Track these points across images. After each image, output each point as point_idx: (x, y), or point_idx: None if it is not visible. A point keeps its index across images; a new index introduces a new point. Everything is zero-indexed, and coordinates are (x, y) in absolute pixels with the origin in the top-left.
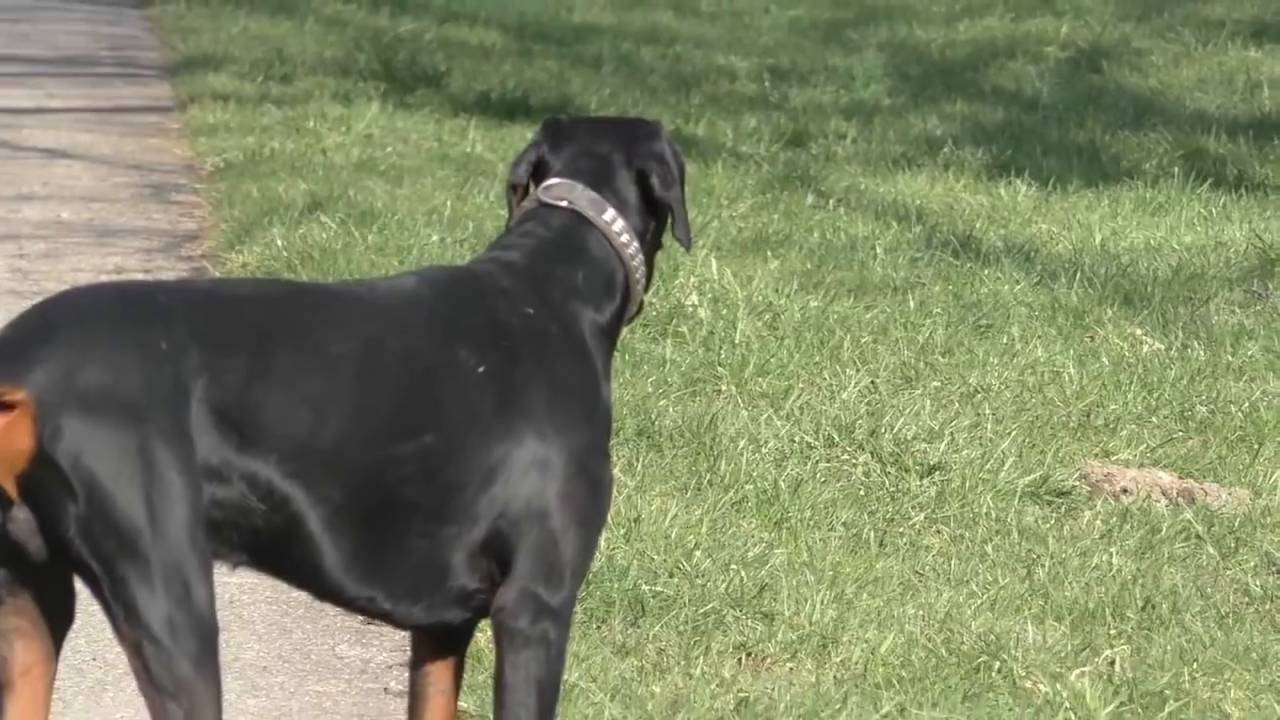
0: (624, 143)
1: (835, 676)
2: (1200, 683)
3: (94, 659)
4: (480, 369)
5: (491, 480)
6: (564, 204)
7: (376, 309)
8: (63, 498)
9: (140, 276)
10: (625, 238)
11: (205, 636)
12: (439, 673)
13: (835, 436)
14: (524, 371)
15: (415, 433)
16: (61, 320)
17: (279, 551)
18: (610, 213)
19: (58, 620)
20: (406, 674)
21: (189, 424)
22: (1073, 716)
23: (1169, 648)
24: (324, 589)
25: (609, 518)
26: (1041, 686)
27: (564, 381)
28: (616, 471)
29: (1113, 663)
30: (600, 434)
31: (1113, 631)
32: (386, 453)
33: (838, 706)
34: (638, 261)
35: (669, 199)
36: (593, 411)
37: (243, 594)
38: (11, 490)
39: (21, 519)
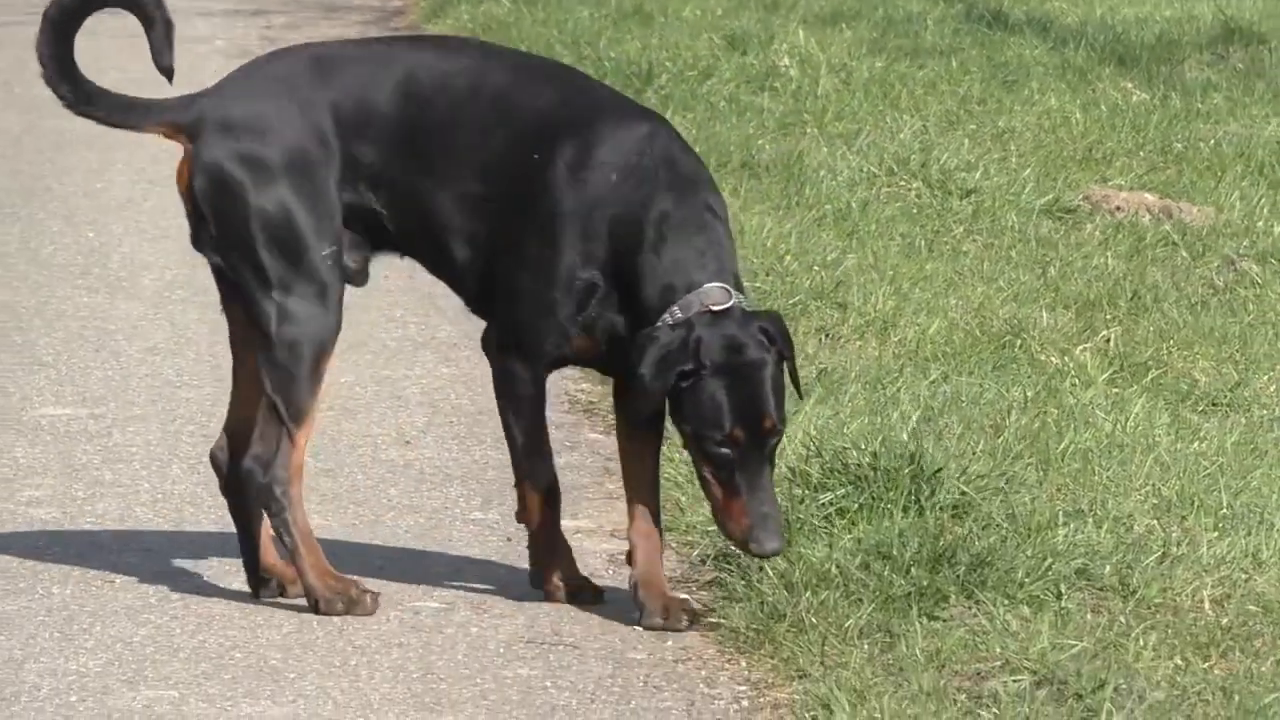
0: None
1: (894, 352)
2: (1175, 355)
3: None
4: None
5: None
6: None
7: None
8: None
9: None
10: None
11: (301, 346)
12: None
13: (895, 167)
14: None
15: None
16: (242, 76)
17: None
18: None
19: None
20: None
21: (329, 173)
22: (1077, 381)
23: (1151, 329)
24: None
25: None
26: (1053, 359)
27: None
28: (727, 194)
29: (1108, 340)
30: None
31: (1108, 316)
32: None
33: (896, 375)
34: None
35: None
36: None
37: None
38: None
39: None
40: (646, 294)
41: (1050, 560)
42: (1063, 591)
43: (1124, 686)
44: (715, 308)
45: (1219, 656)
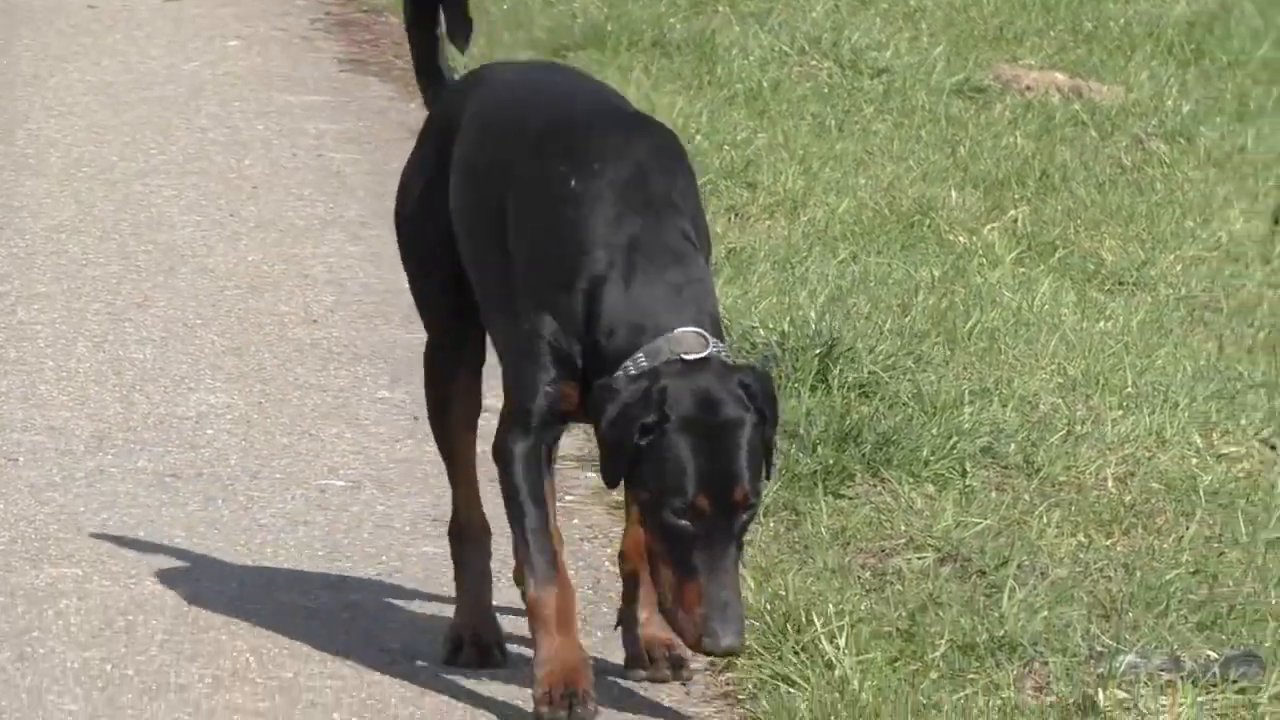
0: None
1: (803, 232)
2: (1083, 235)
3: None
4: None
5: None
6: None
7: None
8: None
9: None
10: None
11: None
12: None
13: (806, 46)
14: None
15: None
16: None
17: None
18: None
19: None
20: None
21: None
22: (985, 261)
23: (1059, 208)
24: None
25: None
26: (961, 238)
27: None
28: (638, 72)
29: (1016, 220)
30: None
31: (1016, 196)
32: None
33: (804, 255)
34: None
35: None
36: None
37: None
38: None
39: None
40: (609, 335)
41: (956, 439)
42: (968, 469)
43: (1027, 563)
44: (688, 356)
45: (1121, 533)
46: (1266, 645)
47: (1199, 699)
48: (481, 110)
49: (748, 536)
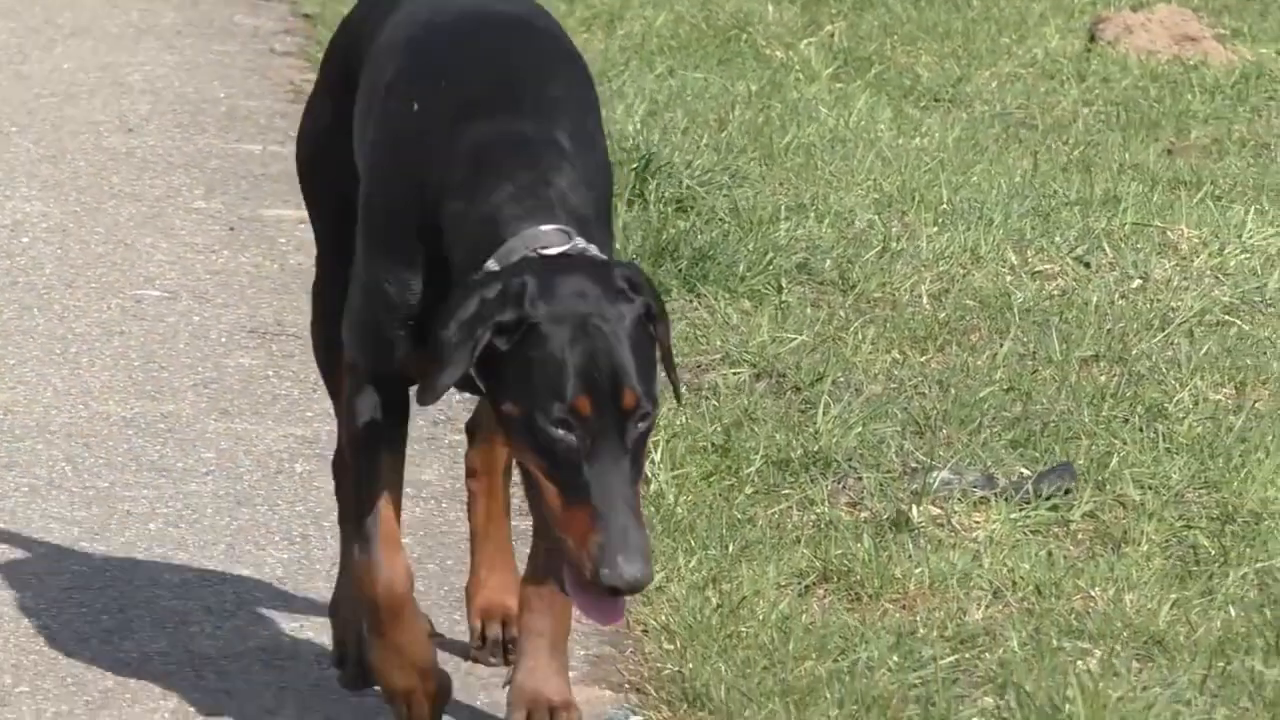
0: None
1: (620, 45)
2: (899, 51)
3: None
4: None
5: None
6: None
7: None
8: None
9: None
10: None
11: None
12: None
13: None
14: None
15: None
16: None
17: None
18: None
19: None
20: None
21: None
22: (801, 76)
23: (876, 24)
24: None
25: None
26: (778, 53)
27: None
28: None
29: (833, 35)
30: None
31: (833, 11)
32: None
33: (621, 68)
34: None
35: None
36: None
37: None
38: None
39: None
40: (454, 254)
41: (772, 254)
42: (783, 285)
43: (842, 379)
44: (547, 252)
45: (936, 350)
46: (1079, 462)
47: (1011, 515)
48: (390, 28)
49: (646, 457)
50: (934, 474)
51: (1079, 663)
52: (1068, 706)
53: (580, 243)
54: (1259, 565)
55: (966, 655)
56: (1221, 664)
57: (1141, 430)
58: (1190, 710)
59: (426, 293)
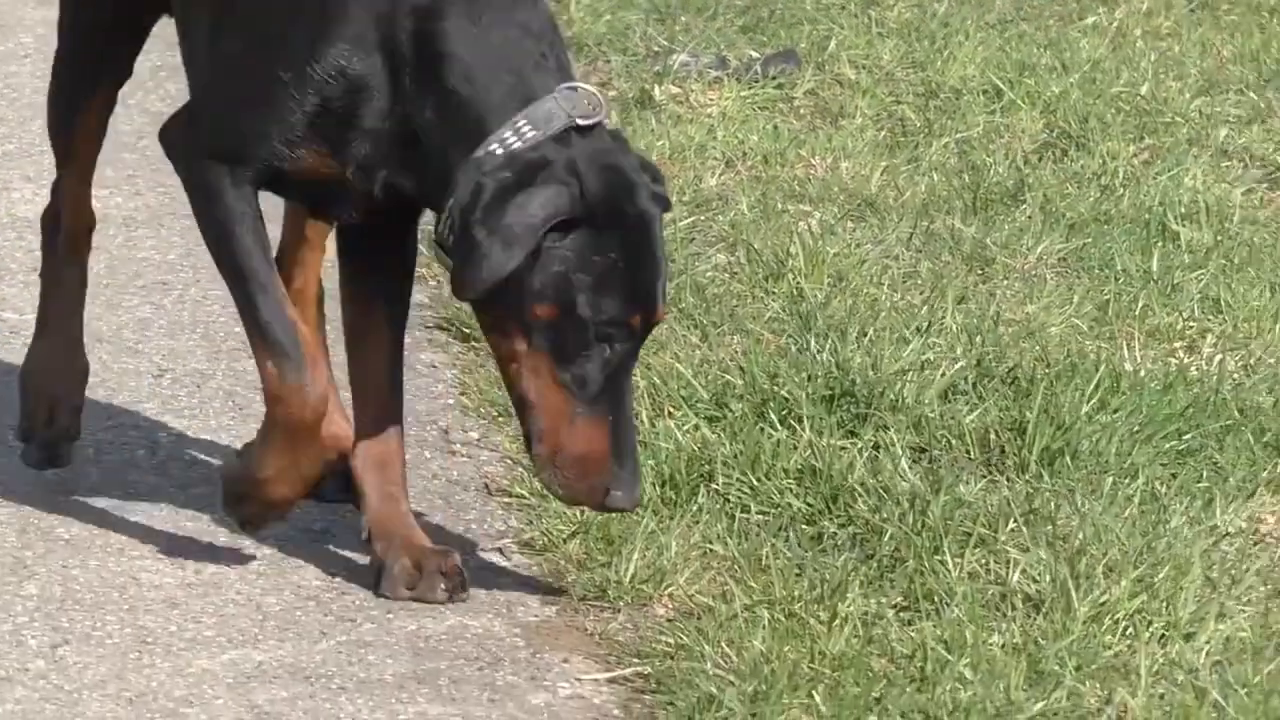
0: None
1: None
2: None
3: None
4: None
5: None
6: None
7: None
8: None
9: None
10: None
11: None
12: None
13: None
14: None
15: None
16: None
17: None
18: None
19: None
20: None
21: None
22: None
23: None
24: None
25: None
26: None
27: None
28: None
29: None
30: None
31: None
32: None
33: None
34: None
35: None
36: None
37: None
38: None
39: None
40: (466, 86)
41: None
42: None
43: None
44: (583, 121)
45: None
46: (802, 46)
47: (742, 93)
48: None
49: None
50: (674, 56)
51: (801, 223)
52: (790, 261)
53: (600, 105)
54: (959, 135)
55: (702, 218)
56: (925, 223)
57: (856, 16)
58: (898, 264)
59: (351, 87)
